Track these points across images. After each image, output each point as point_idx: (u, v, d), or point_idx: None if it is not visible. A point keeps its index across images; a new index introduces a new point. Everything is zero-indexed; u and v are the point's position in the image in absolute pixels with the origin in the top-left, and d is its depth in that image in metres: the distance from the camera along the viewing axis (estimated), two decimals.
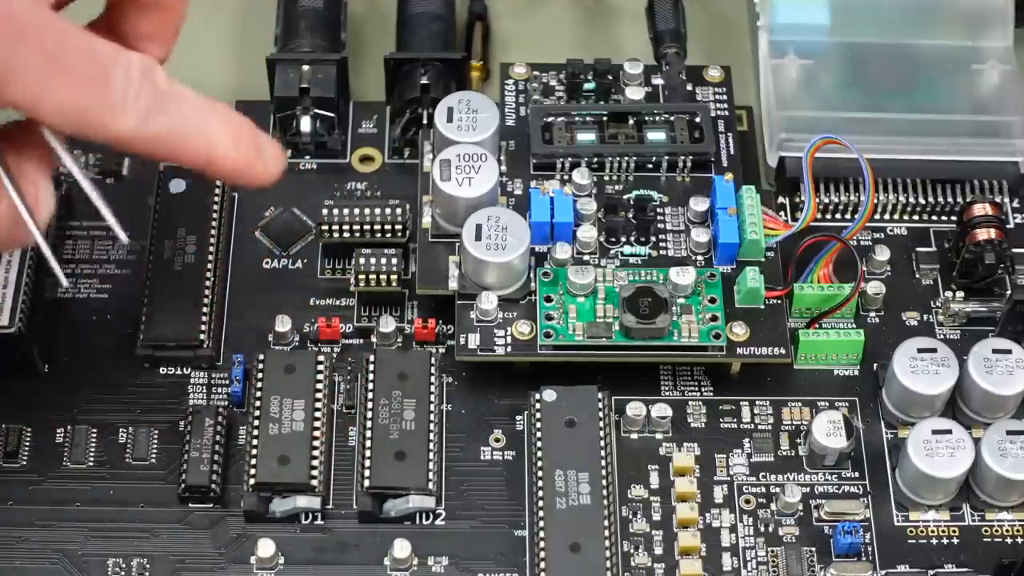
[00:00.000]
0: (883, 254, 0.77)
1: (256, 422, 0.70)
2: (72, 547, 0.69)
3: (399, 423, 0.70)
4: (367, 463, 0.70)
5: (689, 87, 0.81)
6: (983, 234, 0.75)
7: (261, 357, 0.72)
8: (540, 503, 0.68)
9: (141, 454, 0.72)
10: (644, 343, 0.71)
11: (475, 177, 0.73)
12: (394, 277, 0.75)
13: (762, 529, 0.71)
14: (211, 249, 0.75)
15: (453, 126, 0.75)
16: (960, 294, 0.76)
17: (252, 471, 0.69)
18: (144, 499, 0.71)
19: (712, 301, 0.72)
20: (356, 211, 0.75)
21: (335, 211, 0.75)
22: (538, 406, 0.71)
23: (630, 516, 0.70)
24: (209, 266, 0.75)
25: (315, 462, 0.70)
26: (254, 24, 0.86)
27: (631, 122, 0.78)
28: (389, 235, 0.75)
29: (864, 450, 0.73)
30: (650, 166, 0.77)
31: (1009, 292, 0.76)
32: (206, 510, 0.70)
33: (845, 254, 0.76)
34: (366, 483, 0.69)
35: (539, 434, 0.70)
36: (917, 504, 0.71)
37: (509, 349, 0.72)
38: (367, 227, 0.75)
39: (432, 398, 0.71)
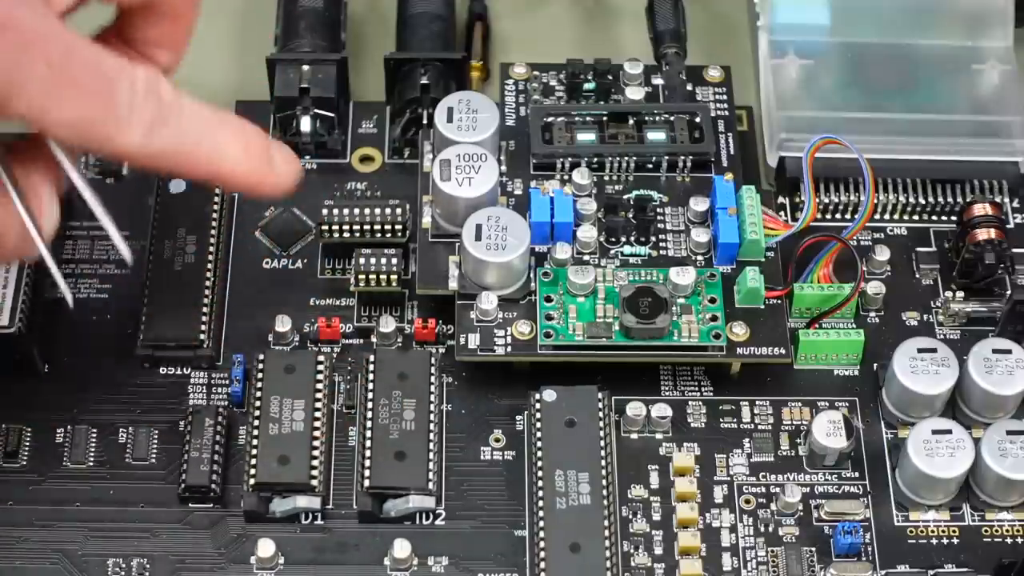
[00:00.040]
0: (883, 254, 0.77)
1: (256, 422, 0.70)
2: (72, 547, 0.69)
3: (399, 423, 0.70)
4: (367, 463, 0.69)
5: (689, 87, 0.81)
6: (983, 234, 0.75)
7: (261, 357, 0.72)
8: (540, 503, 0.68)
9: (141, 454, 0.72)
10: (644, 343, 0.71)
11: (475, 177, 0.73)
12: (394, 277, 0.74)
13: (762, 529, 0.71)
14: (211, 249, 0.75)
15: (453, 126, 0.75)
16: (960, 294, 0.76)
17: (252, 471, 0.69)
18: (144, 499, 0.71)
19: (712, 301, 0.72)
20: (356, 211, 0.75)
21: (335, 211, 0.75)
22: (538, 406, 0.71)
23: (630, 516, 0.70)
24: (209, 266, 0.75)
25: (315, 462, 0.70)
26: (254, 24, 0.86)
27: (631, 122, 0.78)
28: (389, 235, 0.75)
29: (864, 450, 0.73)
30: (650, 166, 0.77)
31: (1009, 292, 0.76)
32: (206, 510, 0.70)
33: (845, 254, 0.76)
34: (366, 483, 0.69)
35: (539, 434, 0.70)
36: (917, 504, 0.71)
37: (509, 349, 0.72)
38: (367, 227, 0.75)
39: (432, 398, 0.71)
